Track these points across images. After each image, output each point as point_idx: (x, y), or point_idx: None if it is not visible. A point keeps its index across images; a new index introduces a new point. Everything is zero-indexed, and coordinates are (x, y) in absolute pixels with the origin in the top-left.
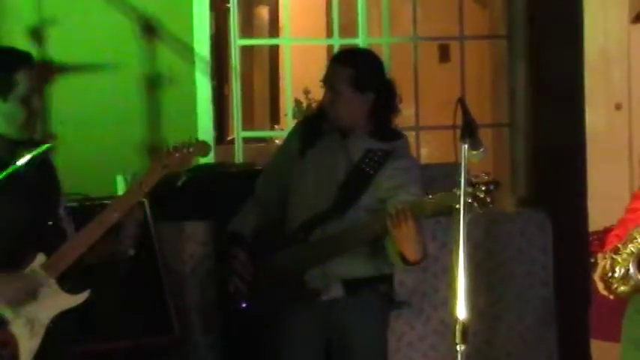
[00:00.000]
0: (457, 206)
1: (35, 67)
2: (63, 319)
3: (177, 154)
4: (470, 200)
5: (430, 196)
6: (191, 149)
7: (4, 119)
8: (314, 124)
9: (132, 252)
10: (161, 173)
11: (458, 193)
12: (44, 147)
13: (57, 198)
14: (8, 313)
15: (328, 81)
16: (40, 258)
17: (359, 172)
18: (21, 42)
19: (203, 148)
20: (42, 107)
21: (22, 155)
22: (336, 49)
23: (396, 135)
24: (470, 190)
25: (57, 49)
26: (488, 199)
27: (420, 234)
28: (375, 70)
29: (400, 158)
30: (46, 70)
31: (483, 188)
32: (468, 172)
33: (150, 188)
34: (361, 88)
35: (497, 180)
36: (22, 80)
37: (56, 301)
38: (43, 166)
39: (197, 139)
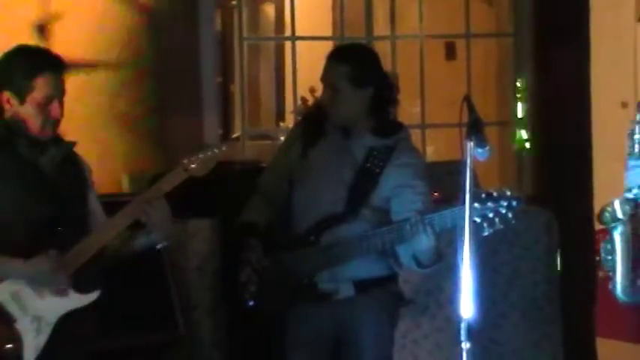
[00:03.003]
0: (477, 220)
1: (61, 72)
2: (79, 317)
3: (199, 158)
4: (491, 215)
5: (450, 210)
6: (213, 153)
7: (21, 120)
8: (315, 123)
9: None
10: (182, 176)
11: (477, 206)
12: (68, 145)
13: (81, 196)
14: (15, 311)
15: (327, 79)
16: (52, 255)
17: (365, 171)
18: (26, 38)
19: (225, 151)
20: (62, 111)
21: (44, 153)
22: None
23: (397, 128)
24: (492, 205)
25: (62, 45)
26: (510, 215)
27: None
28: (372, 64)
29: (403, 153)
30: None
31: (505, 204)
32: (476, 182)
33: (169, 190)
34: (360, 83)
35: (519, 196)
36: (40, 86)
37: (64, 300)
38: (66, 164)
39: (221, 142)
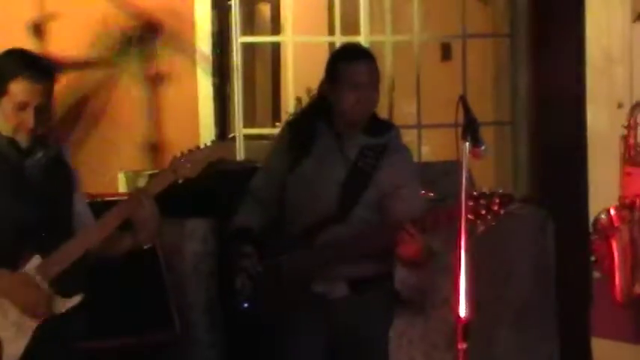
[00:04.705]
0: (470, 217)
1: (42, 79)
2: (63, 319)
3: (188, 159)
4: (483, 212)
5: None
6: (203, 154)
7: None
8: (306, 124)
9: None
10: (170, 178)
11: (470, 203)
12: (55, 148)
13: (67, 199)
14: None
15: (365, 79)
16: (35, 260)
17: (358, 170)
18: (21, 37)
19: (216, 152)
20: (44, 119)
21: (30, 155)
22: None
23: (387, 127)
24: (483, 202)
25: (58, 45)
26: (502, 212)
27: (426, 240)
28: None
29: (395, 152)
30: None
31: (498, 201)
32: (471, 182)
33: (158, 192)
34: (379, 81)
35: (511, 194)
36: (13, 91)
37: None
38: (53, 167)
39: (211, 142)
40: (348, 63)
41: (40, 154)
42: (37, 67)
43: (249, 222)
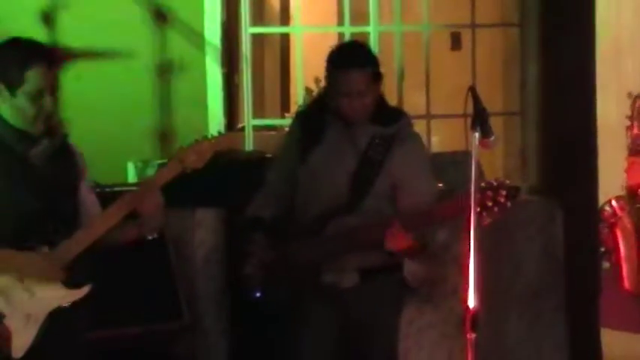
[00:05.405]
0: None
1: (54, 65)
2: (71, 311)
3: (194, 150)
4: (490, 204)
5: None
6: (209, 144)
7: (12, 113)
8: (315, 115)
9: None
10: (177, 169)
11: (478, 195)
12: (60, 136)
13: (72, 188)
14: (4, 307)
15: (353, 87)
16: (43, 251)
17: (368, 159)
18: (31, 27)
19: (222, 141)
20: (56, 105)
21: (34, 145)
22: (347, 38)
23: (398, 115)
24: (490, 194)
25: (67, 34)
26: (509, 204)
27: (416, 236)
28: (376, 57)
29: (405, 140)
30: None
31: (504, 193)
32: (480, 173)
33: (164, 183)
34: (377, 79)
35: (517, 185)
36: (32, 78)
37: (54, 296)
38: (58, 155)
39: (218, 133)
40: (339, 71)
41: (44, 144)
42: (48, 53)
43: (261, 211)
